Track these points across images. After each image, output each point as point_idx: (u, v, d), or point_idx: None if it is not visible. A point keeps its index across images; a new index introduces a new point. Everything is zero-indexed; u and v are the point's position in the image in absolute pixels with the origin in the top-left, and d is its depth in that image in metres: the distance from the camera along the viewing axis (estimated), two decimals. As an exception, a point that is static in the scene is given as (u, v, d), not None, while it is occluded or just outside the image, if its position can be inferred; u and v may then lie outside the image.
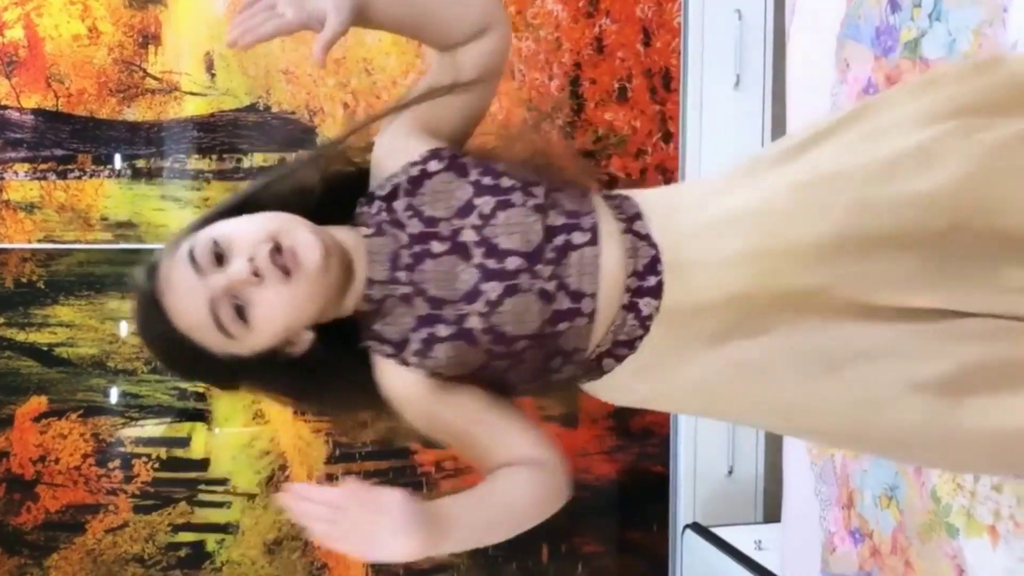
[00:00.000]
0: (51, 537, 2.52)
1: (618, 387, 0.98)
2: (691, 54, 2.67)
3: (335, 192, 1.01)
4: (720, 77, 2.66)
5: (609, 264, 0.92)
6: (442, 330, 0.92)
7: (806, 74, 1.79)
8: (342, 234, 0.96)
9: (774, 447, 2.48)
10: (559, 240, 0.92)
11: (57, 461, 2.51)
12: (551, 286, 0.91)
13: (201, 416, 2.57)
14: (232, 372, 0.97)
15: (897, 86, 1.00)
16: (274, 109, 2.54)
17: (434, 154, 0.97)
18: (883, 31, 1.57)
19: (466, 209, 0.93)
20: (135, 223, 2.48)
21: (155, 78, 2.50)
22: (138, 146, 2.49)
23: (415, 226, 0.94)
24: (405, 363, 0.94)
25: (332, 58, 2.55)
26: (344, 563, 2.68)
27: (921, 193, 0.88)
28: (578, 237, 0.93)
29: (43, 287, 2.49)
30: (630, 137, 2.67)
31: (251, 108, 2.53)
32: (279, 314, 0.91)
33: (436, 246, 0.93)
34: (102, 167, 2.48)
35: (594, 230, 0.93)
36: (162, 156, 2.50)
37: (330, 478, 2.65)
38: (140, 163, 2.49)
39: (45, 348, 2.50)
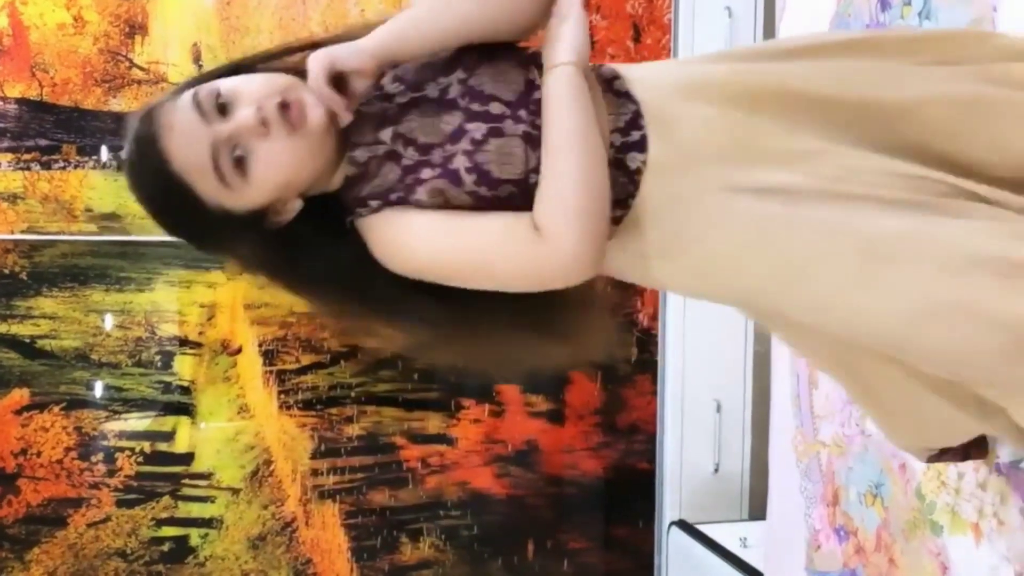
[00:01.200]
0: (32, 531, 2.50)
1: (620, 251, 0.94)
2: (681, 51, 2.68)
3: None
4: (710, 74, 2.68)
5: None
6: (427, 172, 0.92)
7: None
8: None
9: (760, 445, 2.48)
10: (538, 94, 0.92)
11: (39, 454, 2.49)
12: (535, 131, 0.91)
13: (186, 410, 2.56)
14: (216, 229, 0.95)
15: (899, 32, 1.01)
16: (261, 101, 2.53)
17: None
18: (873, 27, 1.57)
19: (453, 63, 0.94)
20: (120, 215, 2.46)
21: (141, 68, 2.48)
22: (123, 137, 2.47)
23: (398, 88, 0.94)
24: (389, 204, 0.92)
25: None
26: (329, 558, 2.67)
27: (894, 98, 0.91)
28: None
29: (26, 278, 2.47)
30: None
31: (238, 100, 2.52)
32: (279, 167, 0.91)
33: (422, 102, 0.93)
34: (87, 158, 2.46)
35: None
36: None
37: (314, 473, 2.65)
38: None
39: (27, 340, 2.48)
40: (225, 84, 0.93)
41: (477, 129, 0.91)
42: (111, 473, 2.52)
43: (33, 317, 2.48)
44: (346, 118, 0.92)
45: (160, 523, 2.56)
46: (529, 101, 0.92)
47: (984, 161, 0.93)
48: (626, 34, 2.69)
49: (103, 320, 2.51)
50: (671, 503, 2.74)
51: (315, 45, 0.97)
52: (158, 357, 2.55)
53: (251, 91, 0.91)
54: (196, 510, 2.58)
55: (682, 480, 2.75)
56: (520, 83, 0.93)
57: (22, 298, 2.47)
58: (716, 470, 2.74)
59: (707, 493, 2.74)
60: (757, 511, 2.53)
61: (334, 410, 2.64)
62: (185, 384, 2.55)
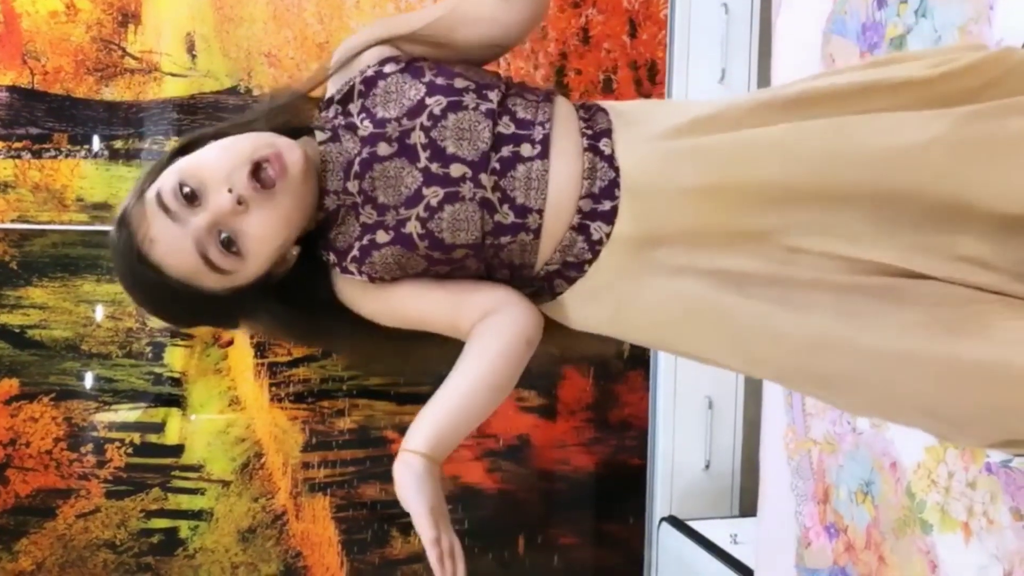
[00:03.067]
0: (21, 522, 2.49)
1: (573, 310, 0.97)
2: (677, 47, 2.68)
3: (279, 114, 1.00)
4: (706, 70, 2.66)
5: (559, 180, 0.91)
6: (382, 236, 0.92)
7: (792, 68, 1.79)
8: (305, 145, 0.96)
9: (752, 442, 2.49)
10: (506, 151, 0.91)
11: (28, 445, 2.49)
12: (495, 197, 0.90)
13: (176, 401, 2.56)
14: (232, 307, 0.96)
15: (889, 69, 0.98)
16: (255, 92, 2.52)
17: (391, 59, 0.96)
18: (869, 27, 1.57)
19: (417, 109, 0.92)
20: (111, 204, 2.45)
21: (134, 57, 2.46)
22: (116, 127, 2.46)
23: (366, 128, 0.92)
24: (347, 271, 0.95)
25: (315, 42, 2.55)
26: (319, 551, 2.67)
27: (887, 148, 0.88)
28: (527, 149, 0.91)
29: (16, 268, 2.46)
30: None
31: (232, 91, 2.51)
32: (271, 235, 0.91)
33: (383, 148, 0.91)
34: (78, 147, 2.45)
35: (545, 143, 0.91)
36: (140, 137, 2.47)
37: (305, 466, 2.64)
38: (118, 144, 2.46)
39: (17, 330, 2.47)
40: (184, 168, 0.90)
41: (434, 195, 0.90)
42: (101, 464, 2.52)
43: (23, 307, 2.47)
44: None
45: (150, 515, 2.56)
46: (492, 162, 0.91)
47: (981, 201, 0.90)
48: (622, 29, 2.68)
49: (94, 310, 2.51)
50: (662, 499, 2.74)
51: (272, 103, 0.99)
52: (149, 348, 2.54)
53: (215, 169, 0.89)
54: (186, 502, 2.58)
55: (673, 476, 2.76)
56: (486, 139, 0.91)
57: (12, 288, 2.46)
58: (707, 467, 2.75)
59: (698, 489, 2.75)
60: (748, 508, 2.54)
61: (325, 403, 2.64)
62: (176, 376, 2.55)
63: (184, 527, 2.59)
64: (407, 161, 0.91)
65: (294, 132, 0.96)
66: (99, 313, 2.51)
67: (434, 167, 0.90)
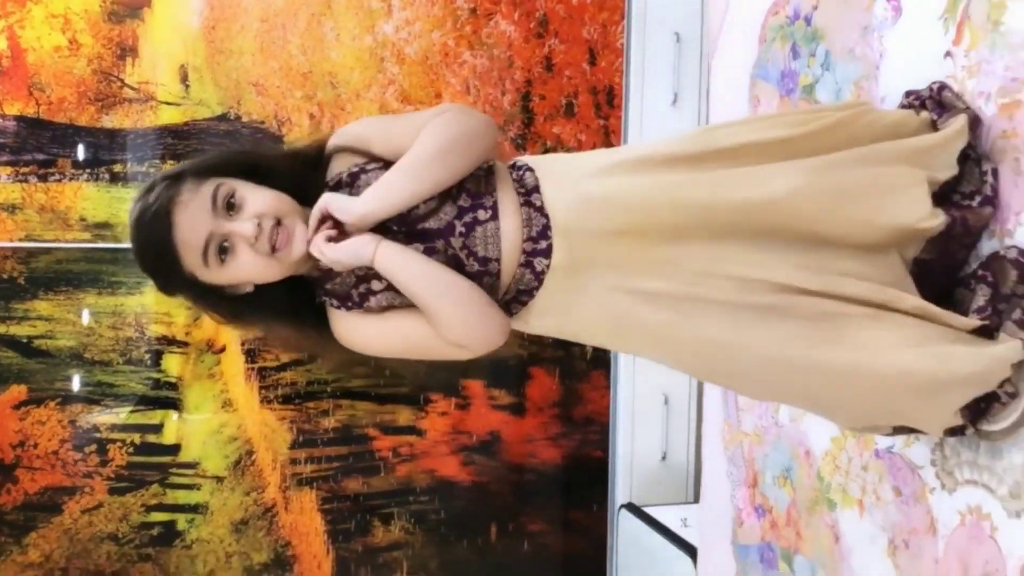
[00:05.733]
0: (30, 517, 2.65)
1: (527, 323, 1.20)
2: (633, 73, 2.87)
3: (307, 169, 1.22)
4: (659, 95, 2.87)
5: (508, 232, 1.14)
6: (376, 285, 1.15)
7: (725, 106, 2.01)
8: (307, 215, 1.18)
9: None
10: (467, 218, 1.14)
11: (36, 446, 2.64)
12: (463, 254, 1.13)
13: (173, 404, 2.71)
14: (183, 285, 1.16)
15: (767, 129, 1.23)
16: (244, 119, 2.69)
17: (373, 159, 1.19)
18: (786, 74, 1.80)
19: None
20: (112, 224, 2.61)
21: (132, 88, 2.63)
22: (115, 152, 2.62)
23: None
24: (350, 309, 1.16)
25: (300, 72, 2.74)
26: (306, 540, 2.84)
27: (757, 198, 1.13)
28: (482, 215, 1.15)
29: (23, 283, 2.62)
30: (575, 150, 2.88)
31: (223, 117, 2.68)
32: (249, 273, 1.14)
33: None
34: (81, 171, 2.61)
35: (495, 208, 1.15)
36: (138, 161, 2.63)
37: (293, 462, 2.82)
38: (117, 168, 2.63)
39: (25, 340, 2.62)
40: (241, 189, 1.12)
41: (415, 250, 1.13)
42: (103, 463, 2.67)
43: (30, 319, 2.62)
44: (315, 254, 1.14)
45: (149, 509, 2.71)
46: (455, 232, 1.13)
47: (848, 235, 1.15)
48: (583, 57, 2.89)
49: (96, 321, 2.66)
50: (623, 488, 2.93)
51: (304, 154, 1.20)
52: (147, 355, 2.70)
53: (258, 204, 1.12)
54: (183, 497, 2.73)
55: (633, 467, 2.94)
56: (451, 214, 1.14)
57: (20, 301, 2.62)
58: (664, 458, 2.94)
59: (655, 479, 2.94)
60: (700, 495, 2.75)
61: (311, 404, 2.80)
62: (173, 380, 2.70)
63: (181, 520, 2.74)
64: (387, 236, 1.13)
65: (309, 193, 1.17)
66: (101, 323, 2.66)
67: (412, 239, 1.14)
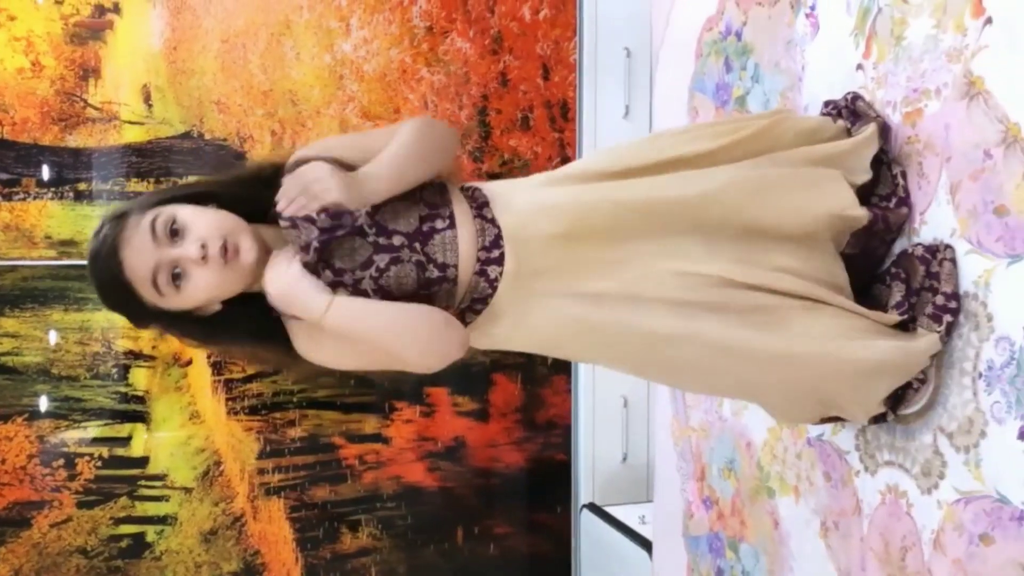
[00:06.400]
0: (-1, 532, 2.67)
1: (483, 332, 1.26)
2: (586, 87, 2.97)
3: (260, 189, 1.26)
4: (612, 108, 2.97)
5: (464, 242, 1.21)
6: (342, 292, 1.19)
7: (667, 116, 2.12)
8: (266, 231, 1.22)
9: (659, 435, 2.78)
10: (426, 227, 1.21)
11: (3, 461, 2.66)
12: (424, 259, 1.20)
13: (141, 417, 2.75)
14: (151, 317, 1.21)
15: (697, 140, 1.33)
16: (207, 136, 2.74)
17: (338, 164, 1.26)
18: (720, 87, 1.90)
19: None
20: (77, 241, 2.64)
21: (95, 108, 2.67)
22: (80, 170, 2.67)
23: (323, 220, 1.19)
24: None
25: (260, 90, 2.81)
26: (275, 548, 2.89)
27: (692, 193, 1.23)
28: (439, 224, 1.22)
29: (-11, 300, 2.65)
30: (532, 161, 2.96)
31: (186, 136, 2.73)
32: (207, 290, 1.17)
33: (339, 231, 1.19)
34: (45, 190, 2.65)
35: (451, 217, 1.22)
36: (103, 179, 2.68)
37: (261, 472, 2.87)
38: (82, 186, 2.67)
39: (-9, 357, 2.65)
40: (181, 213, 1.17)
41: (381, 259, 1.19)
42: (72, 477, 2.70)
43: (-3, 336, 2.66)
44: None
45: (118, 522, 2.74)
46: (420, 235, 1.20)
47: (780, 224, 1.25)
48: (536, 73, 2.98)
49: (63, 337, 2.70)
50: (585, 489, 3.00)
51: (259, 173, 1.25)
52: (114, 370, 2.73)
53: (200, 226, 1.16)
54: (152, 509, 2.76)
55: (594, 469, 3.01)
56: (415, 221, 1.21)
57: (-14, 318, 2.65)
58: (624, 459, 3.02)
59: (617, 480, 3.01)
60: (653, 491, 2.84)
61: (278, 414, 2.84)
62: (140, 394, 2.74)
63: (151, 531, 2.77)
64: (358, 237, 1.19)
65: (265, 210, 1.22)
66: (67, 339, 2.70)
67: (381, 240, 1.19)
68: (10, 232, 2.65)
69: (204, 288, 1.18)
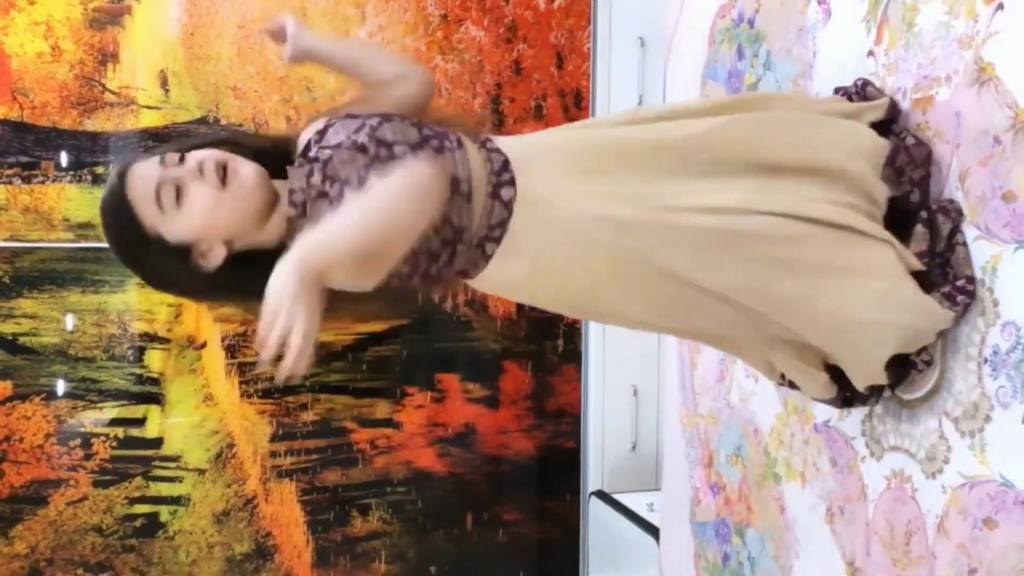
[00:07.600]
0: (16, 509, 2.72)
1: (499, 270, 1.23)
2: (599, 76, 2.98)
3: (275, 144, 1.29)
4: (625, 97, 2.97)
5: (475, 162, 1.21)
6: (350, 194, 1.16)
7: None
8: (278, 183, 1.22)
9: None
10: (435, 143, 1.20)
11: (21, 440, 2.71)
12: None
13: (155, 399, 2.79)
14: (150, 253, 1.19)
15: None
16: (223, 122, 2.77)
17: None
18: (733, 74, 1.91)
19: (359, 127, 1.19)
20: (94, 224, 2.66)
21: (113, 92, 2.71)
22: (97, 154, 2.70)
23: (324, 152, 1.19)
24: None
25: (276, 76, 2.83)
26: (287, 530, 2.93)
27: (696, 133, 1.23)
28: (448, 143, 1.22)
29: (8, 282, 2.69)
30: (545, 149, 2.98)
31: (202, 121, 2.76)
32: (204, 211, 1.16)
33: (339, 149, 1.17)
34: (64, 173, 2.69)
35: (459, 139, 1.23)
36: (120, 163, 2.71)
37: (273, 455, 2.91)
38: (99, 170, 2.71)
39: (10, 337, 2.69)
40: (187, 150, 1.20)
41: (386, 162, 1.16)
42: (88, 457, 2.74)
43: (15, 316, 2.69)
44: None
45: (133, 501, 2.78)
46: (426, 147, 1.19)
47: (798, 159, 1.23)
48: (550, 61, 2.99)
49: (80, 319, 2.74)
50: (594, 477, 3.02)
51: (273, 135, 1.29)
52: (130, 352, 2.77)
53: (200, 152, 1.19)
54: (166, 489, 2.80)
55: (604, 456, 3.03)
56: (415, 136, 1.21)
57: (5, 299, 2.68)
58: (634, 447, 3.04)
59: (626, 467, 3.04)
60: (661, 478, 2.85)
61: (290, 398, 2.87)
62: (155, 376, 2.77)
63: (164, 511, 2.81)
64: (359, 152, 1.18)
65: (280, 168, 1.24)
66: (85, 321, 2.74)
67: (382, 152, 1.17)
68: (29, 214, 2.69)
69: (203, 208, 1.16)
